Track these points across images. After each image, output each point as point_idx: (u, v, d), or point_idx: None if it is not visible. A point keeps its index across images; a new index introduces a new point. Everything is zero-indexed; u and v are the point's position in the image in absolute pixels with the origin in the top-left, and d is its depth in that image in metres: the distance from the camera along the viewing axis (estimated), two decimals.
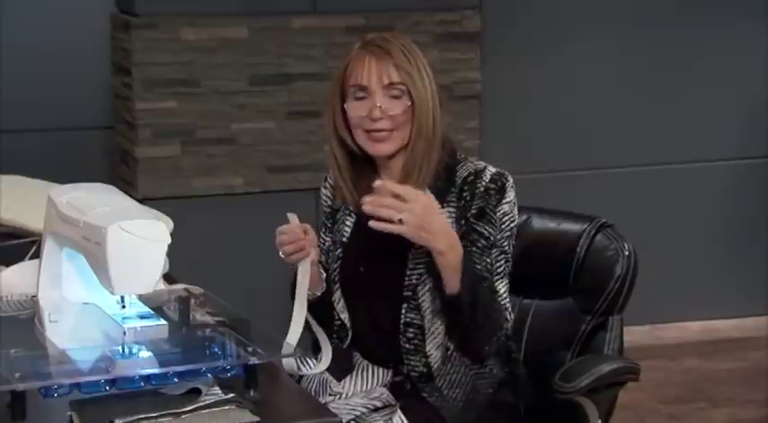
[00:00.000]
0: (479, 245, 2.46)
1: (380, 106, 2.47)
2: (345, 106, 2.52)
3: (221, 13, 4.27)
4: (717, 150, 5.02)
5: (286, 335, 2.42)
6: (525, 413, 2.59)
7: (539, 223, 2.79)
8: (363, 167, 2.57)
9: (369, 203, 2.30)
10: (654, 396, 4.38)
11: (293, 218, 2.47)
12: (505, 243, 2.48)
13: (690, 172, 5.01)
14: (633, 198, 4.91)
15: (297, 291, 2.50)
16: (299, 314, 2.49)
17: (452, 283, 2.37)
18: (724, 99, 5.00)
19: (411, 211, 2.29)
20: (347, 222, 2.59)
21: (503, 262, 2.48)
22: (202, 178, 4.30)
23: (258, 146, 4.34)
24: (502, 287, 2.47)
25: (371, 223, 2.31)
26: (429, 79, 2.52)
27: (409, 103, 2.48)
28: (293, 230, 2.46)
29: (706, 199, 5.03)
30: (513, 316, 2.52)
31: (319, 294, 2.56)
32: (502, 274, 2.48)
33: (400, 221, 2.29)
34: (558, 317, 2.72)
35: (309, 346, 2.61)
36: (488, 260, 2.46)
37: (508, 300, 2.49)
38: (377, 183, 2.34)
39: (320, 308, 2.56)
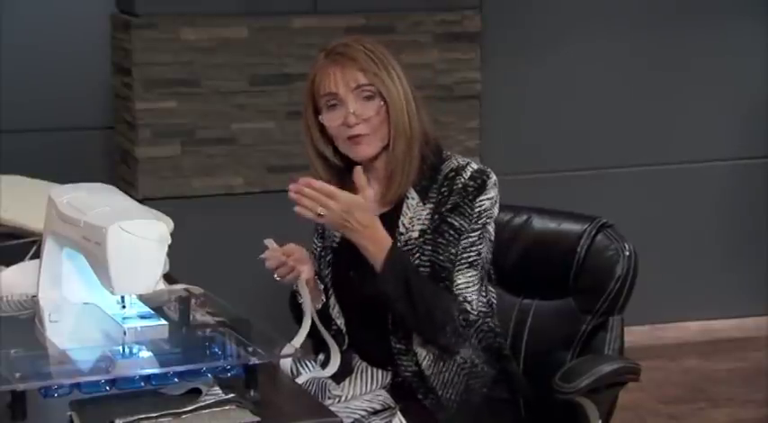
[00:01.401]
0: (447, 236, 2.48)
1: (354, 112, 2.48)
2: (321, 119, 2.53)
3: (221, 13, 4.27)
4: (716, 150, 5.02)
5: (286, 335, 2.42)
6: (525, 410, 2.60)
7: (539, 223, 2.79)
8: (348, 175, 2.58)
9: (291, 191, 2.39)
10: (654, 396, 4.38)
11: (270, 243, 2.50)
12: (474, 234, 2.48)
13: (689, 172, 5.01)
14: (633, 198, 4.91)
15: (303, 305, 2.53)
16: (306, 323, 2.52)
17: (379, 269, 2.43)
18: (723, 99, 5.00)
19: (329, 207, 2.38)
20: None
21: (473, 253, 2.48)
22: (202, 178, 4.30)
23: (258, 146, 4.34)
24: (463, 278, 2.48)
25: (296, 209, 2.40)
26: (399, 77, 2.52)
27: (382, 103, 2.49)
28: (274, 256, 2.50)
29: (705, 199, 5.03)
30: (479, 310, 2.50)
31: (320, 307, 2.57)
32: (467, 264, 2.48)
33: (320, 215, 2.39)
34: (559, 317, 2.72)
35: (310, 349, 2.61)
36: (453, 251, 2.47)
37: (474, 290, 2.48)
38: (301, 180, 2.41)
39: (321, 319, 2.57)
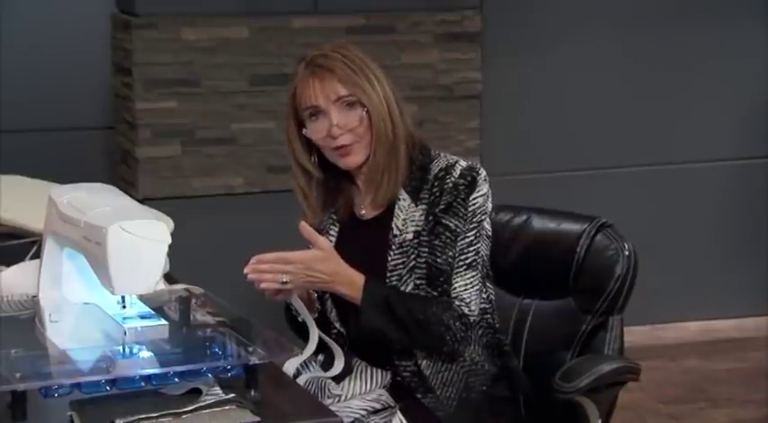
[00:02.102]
0: (443, 238, 2.47)
1: (337, 124, 2.48)
2: (304, 132, 2.53)
3: (222, 13, 4.28)
4: (716, 150, 5.02)
5: (286, 335, 2.42)
6: (525, 409, 2.60)
7: (539, 223, 2.79)
8: (338, 183, 2.59)
9: (248, 272, 2.39)
10: (654, 396, 4.38)
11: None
12: (471, 234, 2.47)
13: (689, 172, 5.01)
14: (633, 198, 4.91)
15: (306, 321, 2.53)
16: (313, 340, 2.52)
17: (360, 307, 2.43)
18: (723, 99, 5.00)
19: (289, 272, 2.38)
20: (332, 232, 2.61)
21: (471, 254, 2.47)
22: (202, 178, 4.30)
23: (258, 146, 4.34)
24: (462, 280, 2.46)
25: (261, 286, 2.41)
26: (380, 84, 2.51)
27: (364, 112, 2.48)
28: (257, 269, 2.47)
29: (706, 199, 5.03)
30: (479, 311, 2.49)
31: (316, 315, 2.57)
32: (465, 266, 2.47)
33: (285, 283, 2.38)
34: (559, 317, 2.72)
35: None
36: (451, 253, 2.46)
37: (473, 291, 2.47)
38: (252, 259, 2.41)
39: (321, 324, 2.58)
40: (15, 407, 1.90)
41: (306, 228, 2.44)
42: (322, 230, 2.61)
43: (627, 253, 2.68)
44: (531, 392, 2.61)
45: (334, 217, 2.61)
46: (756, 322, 5.05)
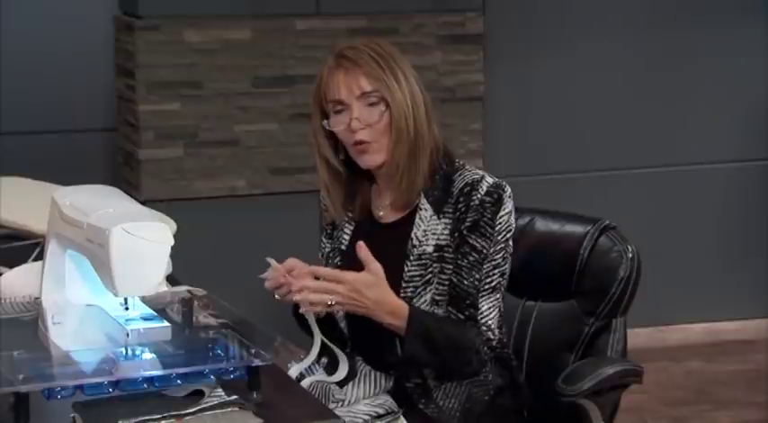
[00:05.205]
0: (470, 259, 2.44)
1: (357, 117, 2.45)
2: (324, 123, 2.50)
3: (224, 15, 4.28)
4: (718, 152, 5.02)
5: (288, 337, 2.41)
6: (529, 417, 2.59)
7: (542, 225, 2.79)
8: (358, 180, 2.56)
9: (295, 289, 2.35)
10: (657, 398, 4.38)
11: (272, 262, 2.46)
12: (499, 255, 2.46)
13: (692, 174, 5.01)
14: (635, 200, 4.91)
15: (311, 324, 2.53)
16: (315, 347, 2.52)
17: (404, 337, 2.40)
18: (725, 101, 4.99)
19: (337, 292, 2.34)
20: (346, 230, 2.59)
21: (496, 276, 2.46)
22: (205, 180, 4.30)
23: (261, 148, 4.34)
24: (487, 304, 2.45)
25: (303, 310, 2.40)
26: (407, 82, 2.48)
27: (384, 108, 2.45)
28: (274, 276, 2.45)
29: (708, 201, 5.02)
30: (499, 334, 2.49)
31: (323, 315, 2.55)
32: (490, 289, 2.45)
33: (331, 305, 2.36)
34: (562, 319, 2.71)
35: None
36: (477, 276, 2.44)
37: (496, 314, 2.46)
38: (303, 271, 2.39)
39: (326, 324, 2.56)
40: (18, 408, 1.90)
41: (363, 248, 2.38)
42: (338, 228, 2.60)
43: (630, 255, 2.68)
44: (536, 404, 2.60)
45: (350, 215, 2.59)
46: (760, 324, 5.05)
